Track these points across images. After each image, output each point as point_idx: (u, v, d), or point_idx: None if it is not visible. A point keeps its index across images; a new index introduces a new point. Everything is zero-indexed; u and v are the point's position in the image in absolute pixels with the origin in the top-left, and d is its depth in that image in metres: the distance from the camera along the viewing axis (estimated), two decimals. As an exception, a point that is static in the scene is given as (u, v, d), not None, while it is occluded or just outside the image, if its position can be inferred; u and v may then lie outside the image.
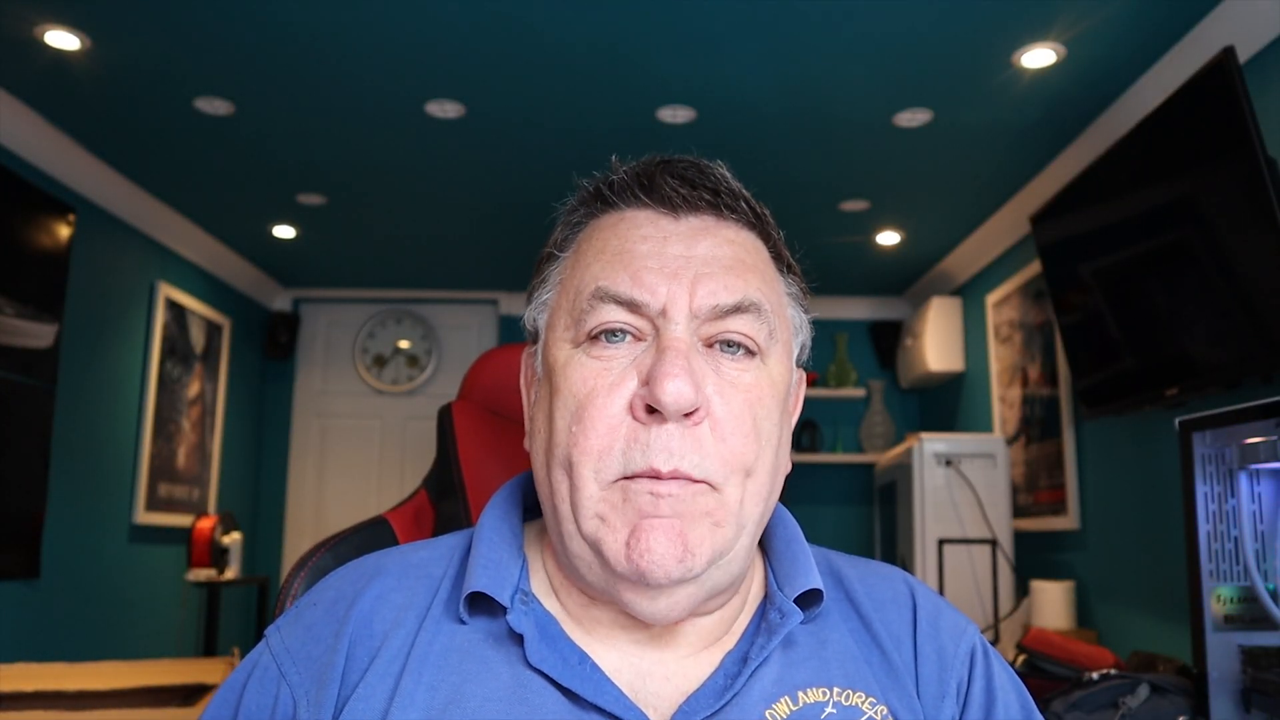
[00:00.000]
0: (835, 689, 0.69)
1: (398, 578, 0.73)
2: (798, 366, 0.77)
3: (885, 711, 0.69)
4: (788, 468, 0.74)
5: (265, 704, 0.68)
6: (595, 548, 0.66)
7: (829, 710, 0.68)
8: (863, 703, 0.69)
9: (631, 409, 0.65)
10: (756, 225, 0.74)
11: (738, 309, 0.68)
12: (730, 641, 0.71)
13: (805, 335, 0.77)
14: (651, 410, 0.64)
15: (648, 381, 0.65)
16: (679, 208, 0.71)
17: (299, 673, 0.68)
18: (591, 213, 0.74)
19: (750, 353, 0.69)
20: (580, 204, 0.75)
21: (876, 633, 0.74)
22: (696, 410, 0.65)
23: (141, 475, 3.75)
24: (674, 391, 0.63)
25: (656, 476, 0.64)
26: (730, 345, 0.68)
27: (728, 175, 0.73)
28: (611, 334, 0.68)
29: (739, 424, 0.67)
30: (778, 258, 0.75)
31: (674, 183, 0.71)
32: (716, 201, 0.71)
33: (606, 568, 0.66)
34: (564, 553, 0.69)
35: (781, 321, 0.72)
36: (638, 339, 0.68)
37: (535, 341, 0.76)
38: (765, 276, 0.72)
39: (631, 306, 0.67)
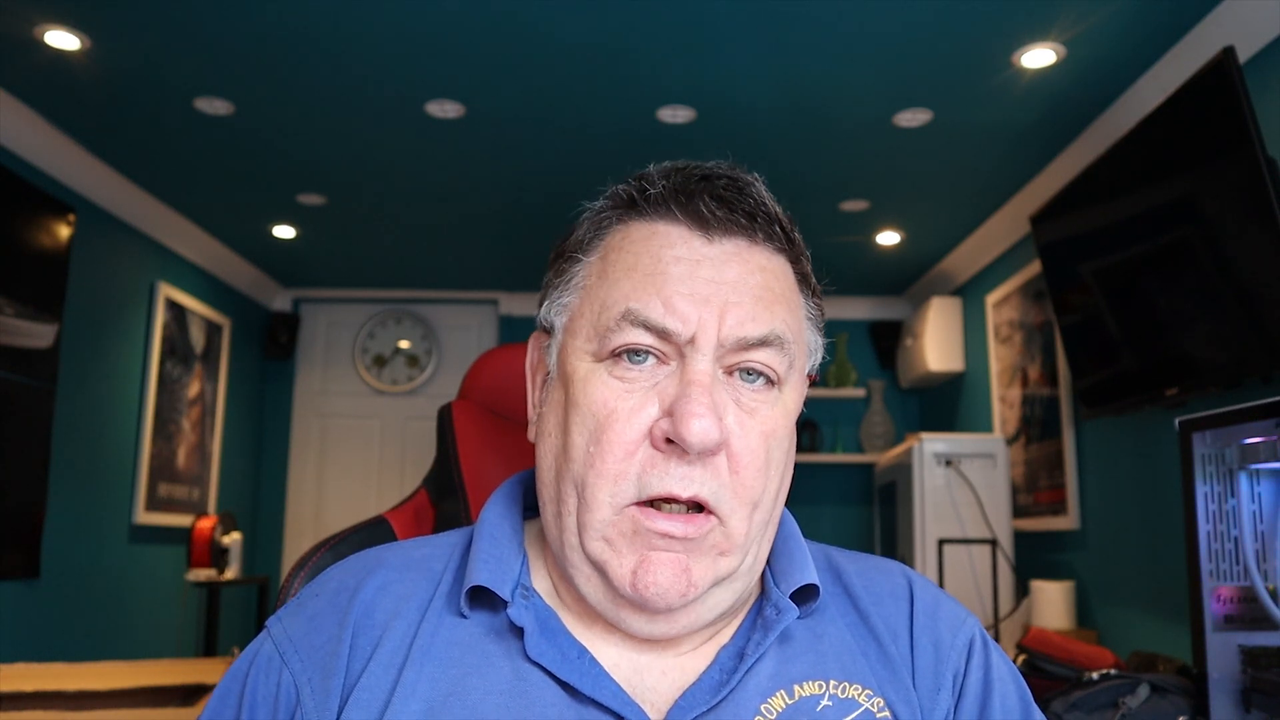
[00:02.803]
0: (831, 682, 0.69)
1: (399, 570, 0.74)
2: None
3: (882, 704, 0.69)
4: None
5: (269, 692, 0.69)
6: (599, 568, 0.67)
7: (825, 703, 0.68)
8: (859, 695, 0.69)
9: (651, 436, 0.66)
10: (787, 250, 0.73)
11: (763, 343, 0.68)
12: (726, 637, 0.72)
13: (819, 355, 0.78)
14: (670, 440, 0.65)
15: (670, 413, 0.65)
16: (713, 229, 0.70)
17: (302, 661, 0.69)
18: (621, 218, 0.73)
19: (770, 382, 0.69)
20: (611, 208, 0.74)
21: (874, 626, 0.74)
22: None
23: (141, 475, 3.75)
24: (699, 431, 0.63)
25: (674, 500, 0.65)
26: (750, 374, 0.69)
27: (765, 195, 0.72)
28: (635, 354, 0.68)
29: (754, 458, 0.67)
30: (802, 279, 0.75)
31: (712, 204, 0.69)
32: (752, 226, 0.70)
33: (608, 586, 0.67)
34: (563, 562, 0.70)
35: (800, 347, 0.73)
36: (662, 362, 0.68)
37: (549, 335, 0.75)
38: (790, 305, 0.72)
39: (661, 334, 0.67)
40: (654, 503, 0.66)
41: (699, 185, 0.71)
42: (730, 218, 0.70)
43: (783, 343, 0.69)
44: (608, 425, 0.66)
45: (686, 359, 0.67)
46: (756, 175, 0.74)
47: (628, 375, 0.67)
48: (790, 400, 0.71)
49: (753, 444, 0.67)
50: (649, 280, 0.68)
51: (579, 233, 0.75)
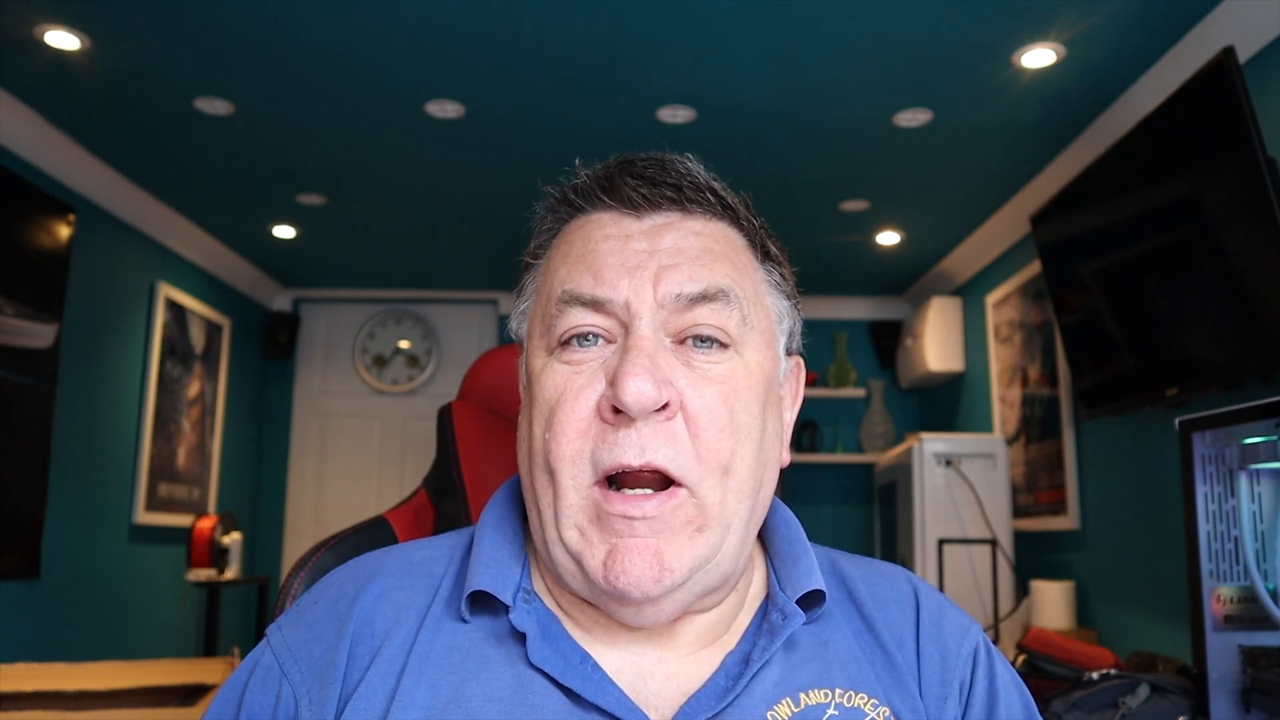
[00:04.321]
0: (837, 690, 0.69)
1: (399, 576, 0.73)
2: (789, 355, 0.76)
3: (888, 713, 0.68)
4: (784, 461, 0.74)
5: (268, 703, 0.68)
6: (576, 559, 0.66)
7: (831, 712, 0.67)
8: (865, 704, 0.68)
9: (599, 410, 0.65)
10: (727, 215, 0.73)
11: (704, 297, 0.67)
12: (731, 641, 0.71)
13: (791, 322, 0.76)
14: (618, 411, 0.64)
15: (613, 382, 0.64)
16: (640, 207, 0.71)
17: (301, 671, 0.68)
18: (560, 218, 0.74)
19: (723, 345, 0.68)
20: (549, 211, 0.76)
21: (879, 633, 0.74)
22: (668, 405, 0.65)
23: (141, 475, 3.75)
24: (634, 391, 0.62)
25: (627, 471, 0.64)
26: (702, 340, 0.68)
27: (693, 169, 0.72)
28: (582, 338, 0.68)
29: (714, 418, 0.66)
30: (755, 246, 0.74)
31: (635, 183, 0.70)
32: (679, 197, 0.71)
33: (588, 579, 0.66)
34: (548, 559, 0.69)
35: (758, 309, 0.71)
36: (608, 342, 0.68)
37: (523, 349, 0.76)
38: (737, 264, 0.71)
39: (596, 305, 0.67)
40: (617, 484, 0.65)
41: (620, 168, 0.72)
42: (655, 192, 0.70)
43: (728, 296, 0.68)
44: (558, 408, 0.66)
45: (629, 330, 0.67)
46: (689, 155, 0.74)
47: (574, 359, 0.68)
48: (753, 363, 0.69)
49: (710, 403, 0.66)
50: (581, 260, 0.69)
51: (531, 243, 0.77)
